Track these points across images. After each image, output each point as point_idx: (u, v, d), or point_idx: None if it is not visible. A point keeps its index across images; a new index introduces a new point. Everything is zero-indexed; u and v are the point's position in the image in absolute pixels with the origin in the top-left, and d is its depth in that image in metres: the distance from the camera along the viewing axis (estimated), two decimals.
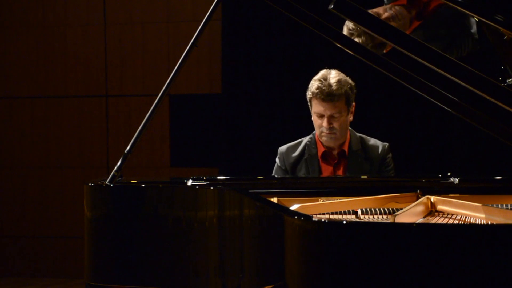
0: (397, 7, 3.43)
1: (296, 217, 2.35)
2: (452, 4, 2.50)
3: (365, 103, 5.47)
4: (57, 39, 6.92)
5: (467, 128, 5.47)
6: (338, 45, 2.91)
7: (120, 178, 3.20)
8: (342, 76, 3.76)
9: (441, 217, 2.93)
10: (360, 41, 3.24)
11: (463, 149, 5.70)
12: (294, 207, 2.80)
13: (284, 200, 3.11)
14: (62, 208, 6.89)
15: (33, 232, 6.98)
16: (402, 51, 2.63)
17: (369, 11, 3.18)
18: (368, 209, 2.97)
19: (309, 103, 3.79)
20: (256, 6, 6.14)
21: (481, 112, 2.54)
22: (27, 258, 7.00)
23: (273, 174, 3.90)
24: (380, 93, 5.77)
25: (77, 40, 6.88)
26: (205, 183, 3.22)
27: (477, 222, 2.75)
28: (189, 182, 3.22)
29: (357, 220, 2.93)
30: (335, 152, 3.81)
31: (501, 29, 2.55)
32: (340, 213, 2.98)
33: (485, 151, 5.55)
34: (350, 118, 3.80)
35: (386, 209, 2.98)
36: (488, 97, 2.43)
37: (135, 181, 3.29)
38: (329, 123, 3.71)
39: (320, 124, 3.74)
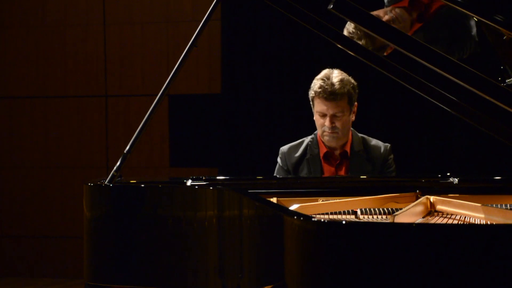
0: (397, 10, 3.43)
1: (295, 217, 2.35)
2: (452, 5, 2.50)
3: (364, 103, 5.45)
4: (56, 39, 6.91)
5: (466, 128, 5.47)
6: (338, 45, 2.91)
7: (119, 178, 3.20)
8: (344, 75, 3.76)
9: (440, 217, 2.93)
10: (361, 44, 3.24)
11: (463, 149, 5.70)
12: (293, 207, 2.80)
13: (284, 200, 3.11)
14: (62, 208, 6.89)
15: (32, 232, 6.97)
16: (402, 51, 2.63)
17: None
18: (367, 209, 2.97)
19: (311, 103, 3.78)
20: (256, 6, 6.14)
21: (481, 112, 2.54)
22: (26, 258, 7.00)
23: (274, 174, 3.89)
24: (379, 93, 5.77)
25: (77, 40, 6.88)
26: (204, 183, 3.22)
27: (476, 222, 2.75)
28: (189, 182, 3.22)
29: (357, 220, 2.93)
30: (337, 153, 3.80)
31: (501, 29, 2.55)
32: (340, 213, 2.98)
33: (484, 151, 5.55)
34: (353, 118, 3.80)
35: (385, 209, 2.98)
36: (487, 97, 2.43)
37: (135, 181, 3.29)
38: (331, 122, 3.70)
39: (322, 124, 3.73)
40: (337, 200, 3.02)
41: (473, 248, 2.13)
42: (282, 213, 2.43)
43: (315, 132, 3.84)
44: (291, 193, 3.24)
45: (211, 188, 2.93)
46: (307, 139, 3.86)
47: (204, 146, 6.58)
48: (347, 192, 3.18)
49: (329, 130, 3.72)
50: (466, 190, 3.20)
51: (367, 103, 5.66)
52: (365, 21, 2.69)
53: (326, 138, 3.76)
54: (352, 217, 2.97)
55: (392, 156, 3.83)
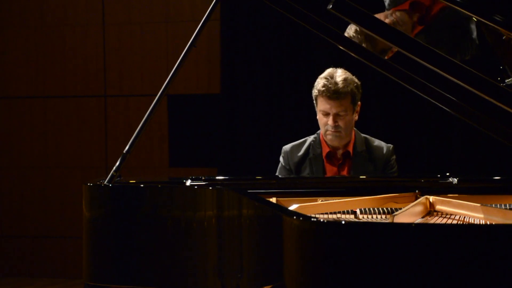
0: (398, 13, 3.43)
1: (294, 217, 2.35)
2: (452, 5, 2.50)
3: (363, 103, 5.45)
4: (56, 39, 6.91)
5: (466, 128, 5.48)
6: (337, 45, 2.91)
7: (119, 178, 3.20)
8: (348, 74, 3.75)
9: (439, 217, 2.93)
10: None
11: (462, 149, 5.70)
12: (292, 207, 2.80)
13: (283, 200, 3.11)
14: (61, 208, 6.89)
15: (32, 232, 6.97)
16: (401, 51, 2.63)
17: None
18: (367, 209, 2.97)
19: (314, 101, 3.78)
20: (255, 6, 6.14)
21: (480, 112, 2.54)
22: (26, 258, 7.00)
23: (277, 174, 3.88)
24: (378, 93, 5.77)
25: (76, 40, 6.88)
26: (204, 183, 3.22)
27: (475, 222, 2.75)
28: (188, 182, 3.22)
29: (356, 220, 2.93)
30: (339, 153, 3.80)
31: (500, 29, 2.55)
32: (339, 213, 2.98)
33: (484, 151, 5.55)
34: (356, 117, 3.79)
35: (384, 209, 2.98)
36: (487, 97, 2.43)
37: (134, 181, 3.29)
38: (334, 121, 3.70)
39: (325, 123, 3.73)
40: (336, 200, 3.02)
41: (473, 248, 2.13)
42: (282, 213, 2.43)
43: (318, 131, 3.84)
44: (290, 193, 3.24)
45: (210, 188, 2.93)
46: (309, 139, 3.86)
47: (203, 146, 6.59)
48: (346, 192, 3.18)
49: (332, 129, 3.71)
50: (465, 190, 3.20)
51: (366, 103, 5.64)
52: (365, 21, 2.69)
53: (329, 137, 3.75)
54: (351, 217, 2.97)
55: (394, 157, 3.83)
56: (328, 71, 3.77)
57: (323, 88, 3.68)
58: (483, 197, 3.10)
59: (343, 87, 3.68)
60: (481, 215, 2.76)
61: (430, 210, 3.00)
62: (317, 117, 3.79)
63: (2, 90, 7.03)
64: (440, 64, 2.51)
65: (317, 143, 3.82)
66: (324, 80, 3.71)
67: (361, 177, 3.62)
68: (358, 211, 2.98)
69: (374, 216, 2.95)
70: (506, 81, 2.83)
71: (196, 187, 3.04)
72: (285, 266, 2.39)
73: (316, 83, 3.75)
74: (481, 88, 2.44)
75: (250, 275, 2.71)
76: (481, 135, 3.06)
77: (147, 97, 6.55)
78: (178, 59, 3.26)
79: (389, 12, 3.47)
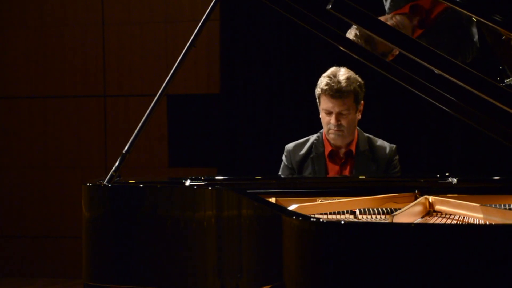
0: (398, 17, 3.43)
1: (294, 217, 2.35)
2: (452, 5, 2.51)
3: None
4: (55, 39, 6.91)
5: (465, 128, 5.48)
6: (336, 45, 2.91)
7: (118, 178, 3.19)
8: (351, 73, 3.75)
9: (439, 217, 2.93)
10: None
11: (462, 149, 5.70)
12: (292, 207, 2.80)
13: (282, 200, 3.11)
14: (61, 208, 6.88)
15: (31, 232, 6.97)
16: (401, 51, 2.63)
17: None
18: (366, 209, 2.97)
19: (317, 100, 3.77)
20: (254, 6, 6.14)
21: (479, 112, 2.54)
22: (26, 258, 7.00)
23: (279, 173, 3.88)
24: (378, 93, 5.77)
25: (76, 40, 6.88)
26: (203, 183, 3.21)
27: (475, 222, 2.75)
28: (187, 182, 3.22)
29: (355, 220, 2.93)
30: (342, 152, 3.80)
31: (500, 29, 2.55)
32: (338, 213, 2.98)
33: (483, 151, 5.55)
34: (358, 116, 3.79)
35: (384, 209, 2.98)
36: (486, 98, 2.43)
37: (133, 181, 3.29)
38: (337, 120, 3.69)
39: (328, 121, 3.73)
40: (336, 200, 3.02)
41: (472, 248, 2.13)
42: (281, 213, 2.43)
43: (321, 130, 3.84)
44: (290, 193, 3.24)
45: (210, 188, 2.93)
46: (312, 138, 3.85)
47: (203, 146, 6.58)
48: (345, 192, 3.18)
49: (334, 127, 3.71)
50: (465, 190, 3.20)
51: (365, 103, 5.65)
52: (364, 21, 2.69)
53: (331, 136, 3.75)
54: (351, 217, 2.97)
55: (397, 157, 3.82)
56: (331, 70, 3.77)
57: (326, 87, 3.68)
58: (483, 197, 3.10)
59: (346, 85, 3.68)
60: (481, 215, 2.76)
61: (430, 210, 3.00)
62: (320, 116, 3.79)
63: (1, 90, 7.03)
64: (439, 64, 2.51)
65: (320, 142, 3.82)
66: (327, 78, 3.71)
67: (360, 177, 3.62)
68: (357, 211, 2.98)
69: (374, 216, 2.95)
70: (505, 81, 2.83)
71: (195, 187, 3.04)
72: (285, 266, 2.39)
73: (319, 82, 3.75)
74: (480, 88, 2.44)
75: (250, 275, 2.71)
76: (480, 135, 3.06)
77: (147, 97, 6.55)
78: (177, 59, 3.26)
79: (389, 16, 3.47)
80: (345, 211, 2.99)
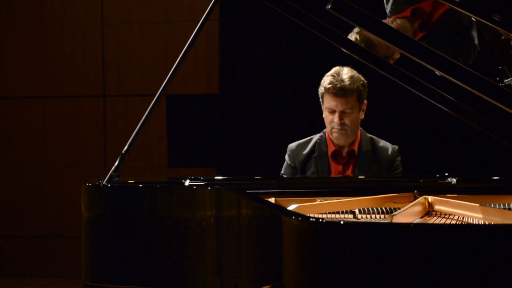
0: (399, 21, 3.44)
1: (293, 217, 2.35)
2: (451, 5, 2.50)
3: None
4: (55, 39, 6.91)
5: (465, 128, 5.47)
6: (335, 45, 2.91)
7: (117, 178, 3.19)
8: (355, 72, 3.76)
9: (438, 217, 2.93)
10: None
11: (461, 149, 5.70)
12: (291, 207, 2.80)
13: (282, 200, 3.11)
14: (60, 208, 6.88)
15: (31, 232, 6.97)
16: (401, 51, 2.63)
17: None
18: (365, 209, 2.97)
19: (320, 99, 3.77)
20: (254, 6, 6.14)
21: (479, 112, 2.54)
22: (25, 258, 7.00)
23: (282, 172, 3.88)
24: (377, 93, 5.77)
25: (75, 40, 6.88)
26: (202, 183, 3.21)
27: (474, 222, 2.75)
28: (187, 182, 3.21)
29: (355, 220, 2.93)
30: (345, 151, 3.80)
31: (499, 29, 2.55)
32: (338, 213, 2.98)
33: (483, 151, 5.55)
34: (362, 116, 3.79)
35: (383, 209, 2.98)
36: (485, 98, 2.43)
37: (133, 181, 3.29)
38: (340, 119, 3.69)
39: (331, 120, 3.72)
40: (335, 200, 3.02)
41: (471, 248, 2.13)
42: (280, 213, 2.43)
43: (324, 130, 3.83)
44: (289, 193, 3.24)
45: (209, 188, 2.93)
46: (315, 137, 3.85)
47: (202, 146, 6.58)
48: (345, 192, 3.18)
49: (338, 126, 3.71)
50: (464, 190, 3.20)
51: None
52: (364, 21, 2.69)
53: (334, 135, 3.74)
54: (350, 217, 2.97)
55: (399, 158, 3.82)
56: (335, 69, 3.78)
57: (330, 85, 3.68)
58: (482, 197, 3.10)
59: (350, 84, 3.68)
60: (480, 215, 2.76)
61: (429, 210, 3.00)
62: (323, 115, 3.78)
63: (1, 90, 7.03)
64: (439, 64, 2.51)
65: (323, 141, 3.81)
66: (331, 77, 3.71)
67: (359, 177, 3.62)
68: (357, 211, 2.98)
69: (373, 216, 2.95)
70: (505, 81, 2.84)
71: (195, 187, 3.04)
72: (284, 266, 2.39)
73: (322, 81, 3.75)
74: (480, 88, 2.44)
75: (249, 275, 2.71)
76: (479, 135, 3.06)
77: (146, 97, 6.54)
78: (177, 59, 3.26)
79: (390, 20, 3.47)
80: (344, 211, 2.99)
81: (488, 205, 2.93)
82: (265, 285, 2.60)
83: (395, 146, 3.84)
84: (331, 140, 3.79)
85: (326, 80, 3.73)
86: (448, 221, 2.84)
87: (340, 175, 3.77)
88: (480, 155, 5.60)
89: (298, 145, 3.86)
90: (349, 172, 3.77)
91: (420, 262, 2.13)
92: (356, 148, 3.78)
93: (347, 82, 3.68)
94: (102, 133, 6.84)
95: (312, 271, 2.26)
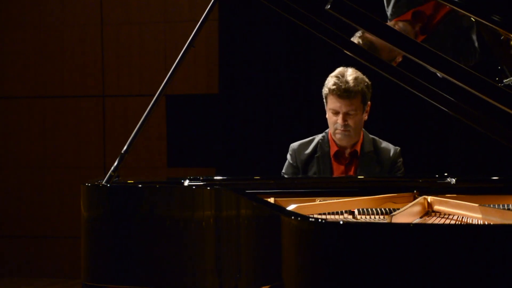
0: (400, 24, 3.43)
1: (293, 217, 2.35)
2: (451, 5, 2.50)
3: None
4: (54, 39, 6.91)
5: (464, 128, 5.47)
6: (335, 45, 2.91)
7: (117, 178, 3.19)
8: (359, 74, 3.74)
9: (438, 217, 2.93)
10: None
11: (460, 150, 5.70)
12: (291, 207, 2.80)
13: (281, 201, 3.11)
14: (60, 208, 6.88)
15: (31, 232, 6.97)
16: (401, 52, 2.62)
17: None
18: (365, 209, 2.97)
19: (324, 100, 3.76)
20: (253, 6, 6.13)
21: (478, 112, 2.54)
22: (24, 258, 6.99)
23: (283, 171, 3.87)
24: (377, 93, 5.76)
25: (74, 40, 6.87)
26: (202, 183, 3.21)
27: (474, 223, 2.75)
28: (186, 182, 3.21)
29: (354, 220, 2.93)
30: (347, 152, 3.79)
31: (498, 29, 2.55)
32: (337, 213, 2.98)
33: (482, 152, 5.55)
34: (365, 117, 3.78)
35: (383, 209, 2.98)
36: (485, 98, 2.43)
37: (132, 181, 3.29)
38: (344, 120, 3.68)
39: (335, 121, 3.71)
40: (335, 200, 3.02)
41: (471, 248, 2.13)
42: (280, 213, 2.43)
43: (326, 130, 3.83)
44: (288, 193, 3.24)
45: (208, 188, 2.93)
46: (318, 137, 3.84)
47: (201, 146, 6.58)
48: (344, 192, 3.18)
49: (341, 128, 3.70)
50: (463, 190, 3.20)
51: None
52: (363, 21, 2.68)
53: (338, 136, 3.74)
54: (349, 217, 2.97)
55: (401, 159, 3.81)
56: (339, 69, 3.76)
57: (334, 87, 3.67)
58: (481, 197, 3.11)
59: (354, 85, 3.67)
60: (479, 215, 2.76)
61: (428, 210, 3.00)
62: (327, 116, 3.77)
63: (0, 90, 7.02)
64: (438, 64, 2.51)
65: (325, 141, 3.81)
66: (335, 78, 3.69)
67: (359, 177, 3.62)
68: (356, 211, 2.98)
69: (372, 216, 2.94)
70: (504, 81, 2.83)
71: (194, 187, 3.04)
72: (283, 266, 2.39)
73: (326, 82, 3.74)
74: (480, 88, 2.44)
75: (249, 275, 2.71)
76: (479, 135, 3.06)
77: (145, 97, 6.55)
78: (176, 59, 3.26)
79: (392, 23, 3.47)
80: (343, 211, 2.99)
81: (487, 205, 2.93)
82: (264, 285, 2.60)
83: (397, 147, 3.83)
84: (334, 140, 3.78)
85: (330, 81, 3.71)
86: (447, 221, 2.84)
87: (340, 176, 3.77)
88: (479, 155, 5.60)
89: (300, 145, 3.86)
90: (351, 173, 3.77)
91: (419, 262, 2.13)
92: (358, 149, 3.77)
93: (351, 83, 3.66)
94: (102, 133, 6.84)
95: (311, 271, 2.26)
